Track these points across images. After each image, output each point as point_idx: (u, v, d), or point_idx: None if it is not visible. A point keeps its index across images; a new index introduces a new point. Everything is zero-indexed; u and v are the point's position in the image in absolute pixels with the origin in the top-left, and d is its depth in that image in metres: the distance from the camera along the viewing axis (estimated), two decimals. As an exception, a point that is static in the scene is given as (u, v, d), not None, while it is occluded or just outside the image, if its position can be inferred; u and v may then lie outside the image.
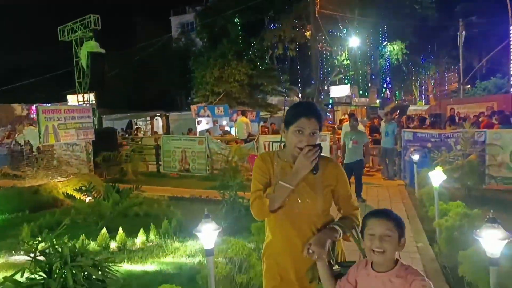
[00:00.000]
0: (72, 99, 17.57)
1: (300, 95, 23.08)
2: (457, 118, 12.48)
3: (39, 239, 3.44)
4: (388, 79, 30.13)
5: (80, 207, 6.96)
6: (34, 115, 9.77)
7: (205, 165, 11.83)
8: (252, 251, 3.48)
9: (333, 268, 1.83)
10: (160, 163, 12.99)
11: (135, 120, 23.73)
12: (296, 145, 1.87)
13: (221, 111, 17.21)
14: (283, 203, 1.90)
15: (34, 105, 9.67)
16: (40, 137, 9.44)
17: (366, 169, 11.47)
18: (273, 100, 22.64)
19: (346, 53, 21.20)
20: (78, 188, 6.93)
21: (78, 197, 7.10)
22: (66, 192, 7.76)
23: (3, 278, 3.00)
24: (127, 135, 17.34)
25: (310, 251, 1.78)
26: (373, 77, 28.10)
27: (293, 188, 1.86)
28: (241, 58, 19.42)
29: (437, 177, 5.28)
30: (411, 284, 1.54)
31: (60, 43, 15.05)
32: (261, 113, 19.44)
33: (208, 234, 2.93)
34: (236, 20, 19.46)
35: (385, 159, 10.36)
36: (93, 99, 15.27)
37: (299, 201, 1.90)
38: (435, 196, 5.25)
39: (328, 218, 1.97)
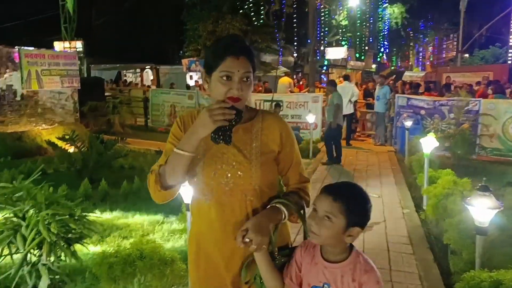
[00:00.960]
0: (58, 46, 16.95)
1: (295, 54, 22.55)
2: (452, 87, 12.31)
3: (15, 184, 3.29)
4: (385, 43, 29.55)
5: (63, 156, 6.80)
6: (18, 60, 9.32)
7: (195, 120, 11.64)
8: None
9: (276, 260, 1.42)
10: (148, 117, 12.73)
11: (124, 71, 23.10)
12: (224, 96, 1.35)
13: (213, 67, 16.78)
14: (185, 176, 1.42)
15: (16, 48, 9.19)
16: (22, 82, 9.08)
17: (357, 133, 11.40)
18: (267, 58, 22.10)
19: (345, 13, 20.54)
20: (61, 136, 6.70)
21: (61, 146, 6.89)
22: (49, 140, 7.54)
23: (-28, 224, 2.86)
24: (115, 86, 16.88)
25: (246, 239, 1.32)
26: (370, 40, 27.50)
27: (191, 155, 1.36)
28: (236, 12, 18.67)
29: (428, 144, 5.19)
30: (361, 286, 1.28)
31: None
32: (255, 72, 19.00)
33: (188, 188, 2.80)
34: (233, -30, 18.58)
35: (378, 124, 10.26)
36: (81, 46, 14.69)
37: (229, 175, 1.43)
38: (425, 163, 5.19)
39: (271, 194, 1.50)
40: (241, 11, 18.80)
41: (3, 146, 8.30)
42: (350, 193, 1.31)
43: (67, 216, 3.04)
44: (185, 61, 17.01)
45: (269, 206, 1.45)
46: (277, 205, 1.44)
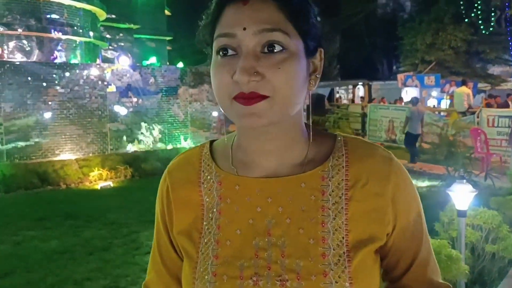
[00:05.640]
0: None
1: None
2: None
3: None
4: None
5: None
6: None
7: (414, 136, 11.40)
8: (502, 223, 3.34)
9: None
10: (365, 131, 13.18)
11: (336, 88, 24.35)
12: (227, 92, 0.63)
13: (431, 81, 16.06)
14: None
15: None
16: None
17: None
18: (494, 70, 19.70)
19: None
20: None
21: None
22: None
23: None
24: (332, 103, 18.09)
25: None
26: None
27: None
28: (459, 22, 17.40)
29: None
30: None
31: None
32: (479, 85, 17.26)
33: (462, 195, 2.99)
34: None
35: None
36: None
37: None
38: None
39: None
40: (466, 20, 17.40)
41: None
42: None
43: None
44: (400, 76, 16.86)
45: None
46: None
